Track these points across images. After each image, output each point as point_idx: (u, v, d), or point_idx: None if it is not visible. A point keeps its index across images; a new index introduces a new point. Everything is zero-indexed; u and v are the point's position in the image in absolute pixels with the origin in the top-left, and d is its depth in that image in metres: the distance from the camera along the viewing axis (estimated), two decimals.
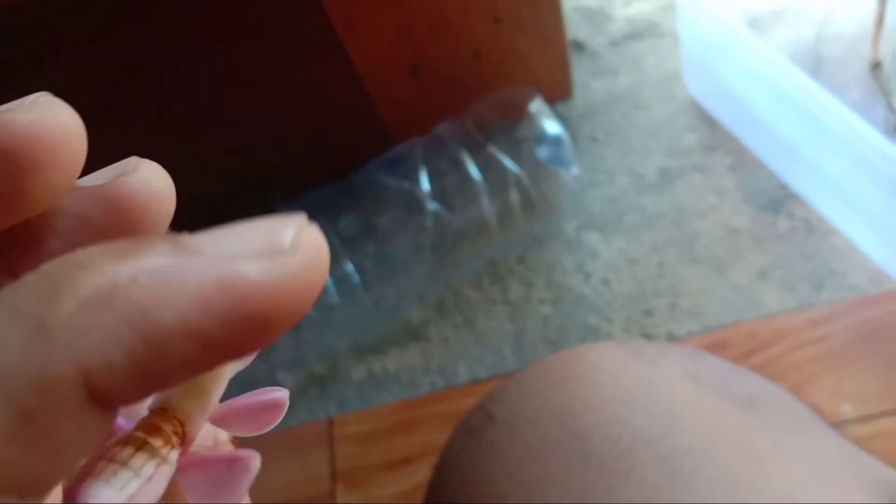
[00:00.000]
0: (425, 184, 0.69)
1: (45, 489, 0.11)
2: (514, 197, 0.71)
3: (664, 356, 0.41)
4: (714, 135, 0.78)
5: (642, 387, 0.38)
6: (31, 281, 0.12)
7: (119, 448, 0.13)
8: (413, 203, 0.69)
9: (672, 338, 0.68)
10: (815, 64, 0.75)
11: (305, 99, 0.72)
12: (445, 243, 0.70)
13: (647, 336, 0.69)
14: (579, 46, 0.86)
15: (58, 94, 0.15)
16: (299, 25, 0.65)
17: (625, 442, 0.35)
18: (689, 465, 0.34)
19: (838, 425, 0.61)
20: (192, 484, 0.14)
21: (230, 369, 0.15)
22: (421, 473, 0.65)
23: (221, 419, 0.15)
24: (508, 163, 0.71)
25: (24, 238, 0.15)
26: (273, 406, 0.15)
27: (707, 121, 0.79)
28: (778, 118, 0.69)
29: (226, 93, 0.70)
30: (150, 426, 0.14)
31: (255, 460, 0.14)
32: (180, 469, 0.14)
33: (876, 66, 0.74)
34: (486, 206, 0.70)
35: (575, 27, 0.87)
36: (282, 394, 0.16)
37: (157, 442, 0.13)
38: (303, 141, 0.76)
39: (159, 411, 0.14)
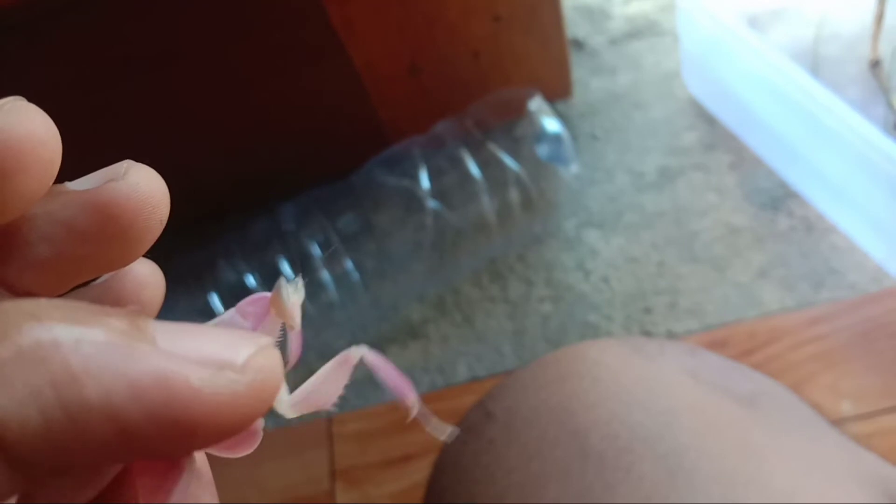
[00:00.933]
0: (425, 182, 0.69)
1: None
2: (514, 195, 0.71)
3: (663, 353, 0.41)
4: (714, 133, 0.78)
5: (641, 384, 0.38)
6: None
7: None
8: (413, 201, 0.69)
9: (672, 336, 0.68)
10: (814, 63, 0.75)
11: (305, 98, 0.72)
12: (445, 241, 0.70)
13: (647, 334, 0.69)
14: (579, 45, 0.86)
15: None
16: (299, 25, 0.65)
17: (623, 439, 0.35)
18: (688, 462, 0.34)
19: (838, 423, 0.61)
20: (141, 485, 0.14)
21: None
22: (420, 471, 0.65)
23: None
24: (508, 161, 0.71)
25: (8, 243, 0.14)
26: (250, 434, 0.15)
27: (707, 119, 0.79)
28: (778, 117, 0.69)
29: (226, 93, 0.70)
30: None
31: (191, 462, 0.14)
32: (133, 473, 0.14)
33: (875, 65, 0.74)
34: (486, 204, 0.70)
35: (574, 26, 0.87)
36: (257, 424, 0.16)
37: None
38: (303, 140, 0.76)
39: None
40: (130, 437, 0.11)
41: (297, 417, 0.16)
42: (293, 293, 0.14)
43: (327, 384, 0.16)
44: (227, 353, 0.12)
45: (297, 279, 0.15)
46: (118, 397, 0.11)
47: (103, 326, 0.12)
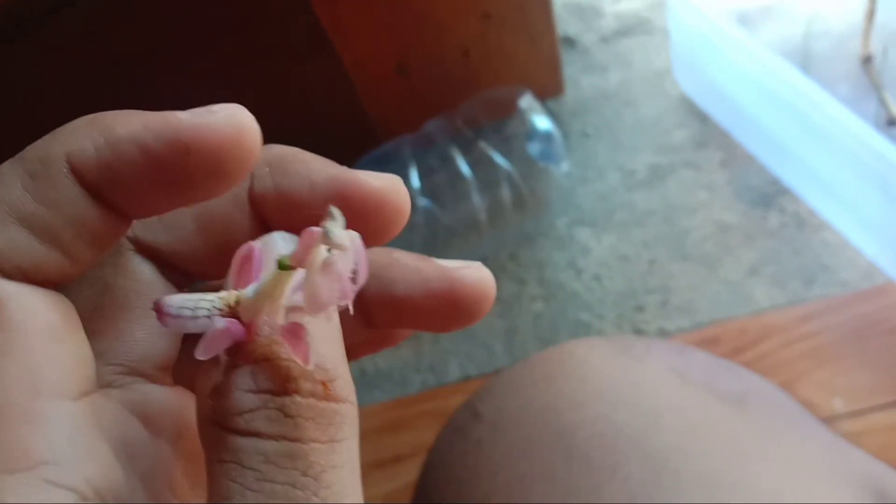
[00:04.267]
0: (415, 181, 0.69)
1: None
2: (505, 193, 0.71)
3: (650, 353, 0.40)
4: (705, 131, 0.78)
5: (627, 383, 0.38)
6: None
7: (202, 294, 0.18)
8: None
9: (663, 334, 0.68)
10: (805, 60, 0.75)
11: (294, 97, 0.72)
12: (436, 240, 0.70)
13: (638, 332, 0.68)
14: (570, 43, 0.86)
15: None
16: (287, 25, 0.64)
17: (609, 439, 0.35)
18: (673, 462, 0.34)
19: (829, 420, 0.61)
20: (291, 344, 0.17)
21: (280, 279, 0.17)
22: (412, 472, 0.65)
23: (285, 335, 0.17)
24: (499, 159, 0.70)
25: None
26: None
27: (698, 117, 0.79)
28: (768, 114, 0.69)
29: (214, 92, 0.69)
30: (224, 298, 0.18)
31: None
32: (284, 335, 0.17)
33: (866, 61, 0.74)
34: (477, 202, 0.70)
35: (565, 23, 0.87)
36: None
37: (218, 304, 0.18)
38: (292, 139, 0.76)
39: (234, 296, 0.18)
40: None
41: None
42: (336, 226, 0.16)
43: (320, 286, 0.17)
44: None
45: (334, 213, 0.16)
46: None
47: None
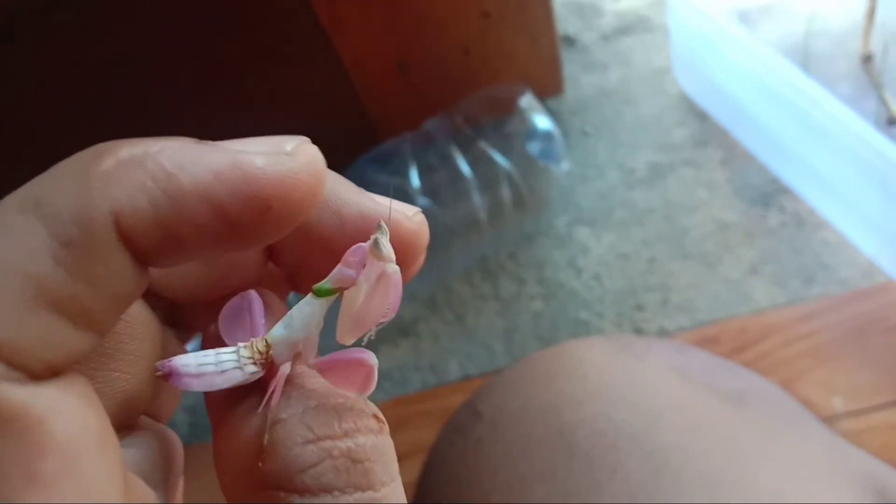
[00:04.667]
0: (415, 179, 0.69)
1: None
2: (505, 192, 0.71)
3: (650, 351, 0.40)
4: (705, 129, 0.78)
5: (628, 382, 0.38)
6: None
7: (215, 350, 0.16)
8: (402, 199, 0.69)
9: (663, 333, 0.68)
10: (805, 58, 0.75)
11: (294, 96, 0.72)
12: (436, 239, 0.70)
13: (638, 331, 0.68)
14: (570, 41, 0.86)
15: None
16: (287, 23, 0.64)
17: (610, 438, 0.35)
18: (673, 461, 0.34)
19: (829, 419, 0.61)
20: (330, 379, 0.17)
21: (317, 309, 0.16)
22: (412, 471, 0.65)
23: (323, 370, 0.17)
24: (499, 158, 0.70)
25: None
26: (360, 363, 0.17)
27: (698, 115, 0.78)
28: (768, 112, 0.69)
29: (213, 91, 0.69)
30: (249, 346, 0.16)
31: (371, 357, 0.17)
32: (321, 371, 0.16)
33: (867, 60, 0.73)
34: (477, 201, 0.70)
35: (565, 22, 0.87)
36: (368, 355, 0.17)
37: (245, 353, 0.16)
38: None
39: (262, 341, 0.17)
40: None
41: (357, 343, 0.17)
42: (385, 240, 0.16)
43: (372, 301, 0.16)
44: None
45: (383, 226, 0.16)
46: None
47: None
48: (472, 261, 0.75)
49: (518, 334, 0.71)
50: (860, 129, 0.60)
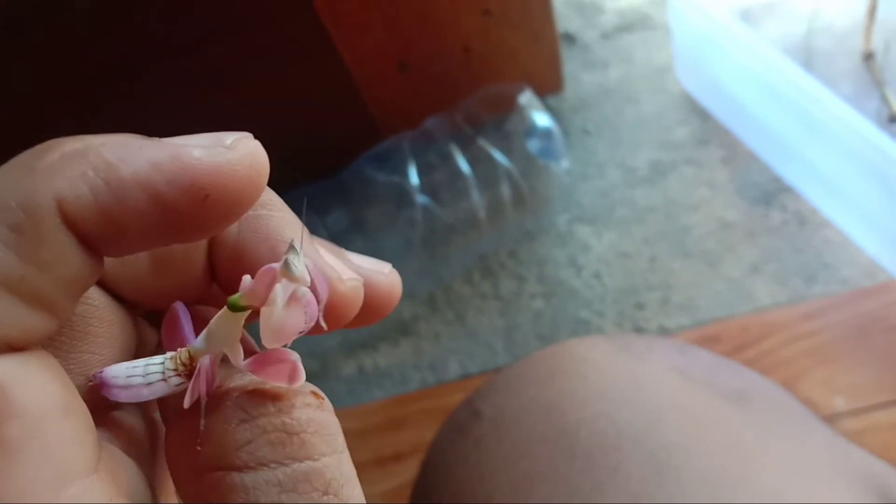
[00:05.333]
0: (415, 178, 0.69)
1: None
2: (505, 191, 0.71)
3: (651, 350, 0.40)
4: (706, 128, 0.77)
5: (629, 381, 0.37)
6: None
7: (146, 360, 0.17)
8: (402, 197, 0.69)
9: (664, 332, 0.68)
10: (807, 57, 0.75)
11: (295, 95, 0.71)
12: (436, 238, 0.70)
13: (639, 330, 0.68)
14: (570, 39, 0.86)
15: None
16: (288, 22, 0.64)
17: (611, 437, 0.35)
18: (675, 461, 0.34)
19: (831, 419, 0.61)
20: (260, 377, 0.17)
21: (233, 321, 0.17)
22: (411, 470, 0.64)
23: (252, 371, 0.17)
24: (499, 156, 0.70)
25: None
26: (283, 359, 0.17)
27: (699, 114, 0.78)
28: (770, 111, 0.69)
29: (215, 90, 0.69)
30: (174, 357, 0.17)
31: (292, 353, 0.17)
32: (251, 371, 0.17)
33: (868, 58, 0.73)
34: (477, 200, 0.70)
35: (566, 20, 0.87)
36: (289, 352, 0.17)
37: (169, 364, 0.17)
38: (293, 137, 0.76)
39: (185, 352, 0.17)
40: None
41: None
42: (298, 260, 0.16)
43: (288, 318, 0.17)
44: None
45: (296, 247, 0.16)
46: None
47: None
48: (472, 259, 0.75)
49: (518, 333, 0.70)
50: (862, 127, 0.59)
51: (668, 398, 0.37)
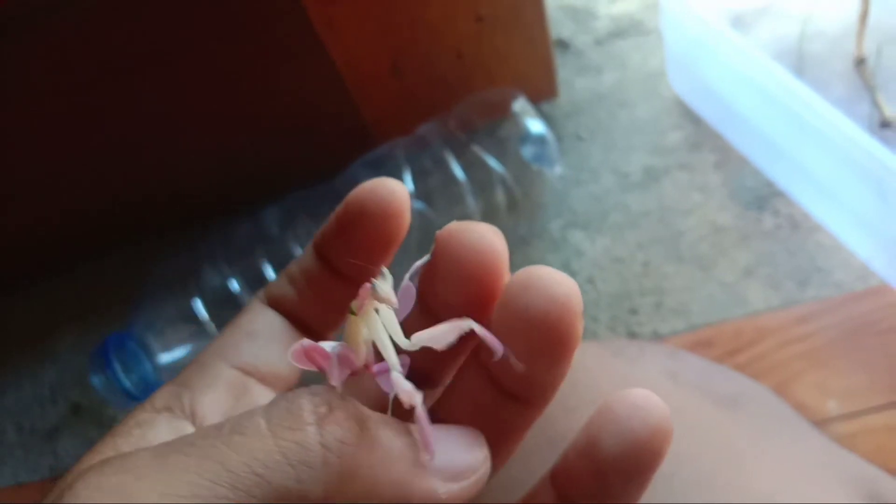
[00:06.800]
0: (409, 183, 0.69)
1: None
2: (499, 196, 0.71)
3: (643, 356, 0.40)
4: (699, 133, 0.78)
5: (621, 387, 0.37)
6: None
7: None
8: None
9: (657, 336, 0.68)
10: (799, 61, 0.75)
11: (286, 100, 0.71)
12: (430, 243, 0.70)
13: (632, 335, 0.68)
14: (564, 45, 0.86)
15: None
16: (279, 26, 0.64)
17: None
18: (666, 466, 0.34)
19: (824, 422, 0.61)
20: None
21: (354, 322, 0.21)
22: None
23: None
24: (492, 162, 0.70)
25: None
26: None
27: (692, 119, 0.78)
28: (763, 116, 0.69)
29: (206, 95, 0.69)
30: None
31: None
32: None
33: (860, 63, 0.74)
34: (471, 205, 0.70)
35: (559, 25, 0.87)
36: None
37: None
38: (285, 142, 0.76)
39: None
40: None
41: None
42: (384, 283, 0.21)
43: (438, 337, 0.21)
44: (468, 460, 0.20)
45: (385, 273, 0.21)
46: (386, 486, 0.18)
47: (388, 423, 0.20)
48: None
49: None
50: (853, 132, 0.60)
51: None
